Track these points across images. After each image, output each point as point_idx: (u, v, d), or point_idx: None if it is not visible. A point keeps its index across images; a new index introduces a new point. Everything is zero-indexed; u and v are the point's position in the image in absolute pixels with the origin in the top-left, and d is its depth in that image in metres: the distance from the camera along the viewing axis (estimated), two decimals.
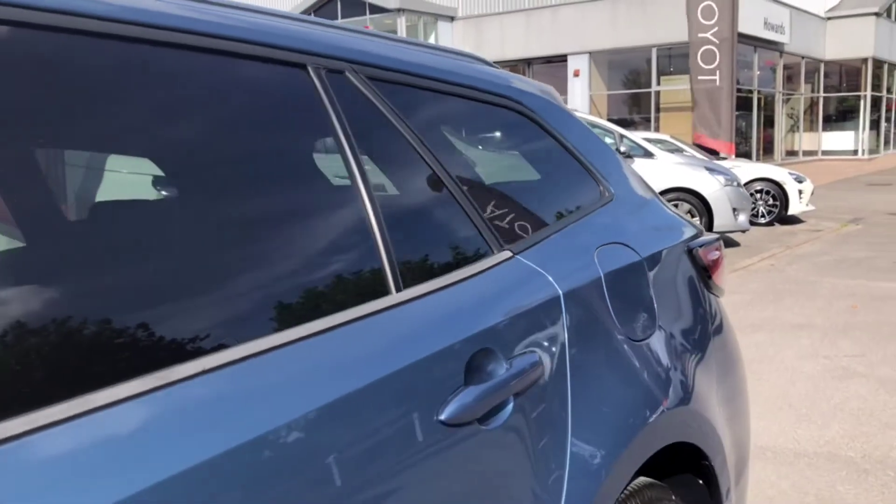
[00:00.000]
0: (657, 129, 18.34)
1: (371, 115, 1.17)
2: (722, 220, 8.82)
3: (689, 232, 1.79)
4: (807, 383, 4.05)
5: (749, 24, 18.82)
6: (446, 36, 25.48)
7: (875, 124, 29.12)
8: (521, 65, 25.50)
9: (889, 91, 30.24)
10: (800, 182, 11.51)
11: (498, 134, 1.57)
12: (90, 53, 0.87)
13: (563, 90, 24.37)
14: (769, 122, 25.60)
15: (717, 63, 12.80)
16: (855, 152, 27.97)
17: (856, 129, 28.27)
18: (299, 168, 1.09)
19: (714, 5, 12.68)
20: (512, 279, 1.25)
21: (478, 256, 1.23)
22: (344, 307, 0.99)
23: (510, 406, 1.12)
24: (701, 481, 1.65)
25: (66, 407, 0.71)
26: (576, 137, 1.62)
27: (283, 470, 0.82)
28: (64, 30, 0.85)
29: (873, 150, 28.64)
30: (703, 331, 1.68)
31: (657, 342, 1.47)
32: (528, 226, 1.37)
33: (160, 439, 0.75)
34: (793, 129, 27.59)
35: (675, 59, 22.67)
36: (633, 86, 23.99)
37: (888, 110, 30.35)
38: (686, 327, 1.61)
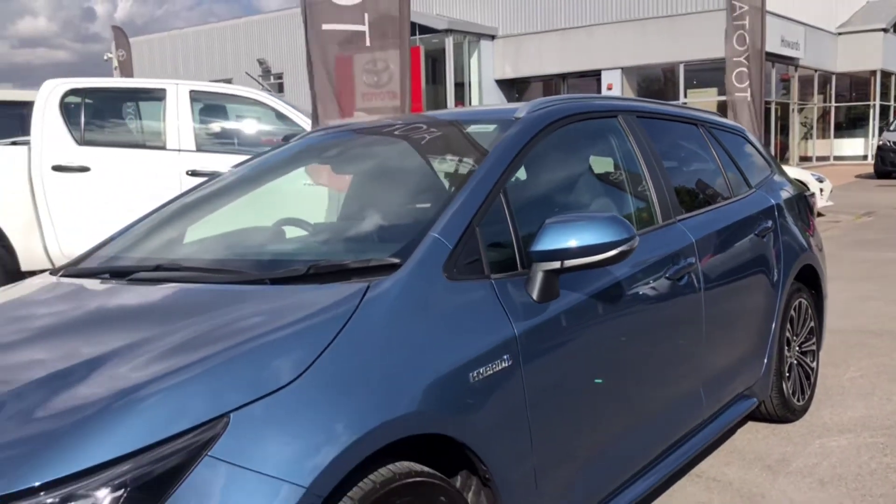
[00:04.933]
0: None
1: (723, 146, 3.48)
2: None
3: (800, 188, 4.10)
4: (841, 304, 6.29)
5: (768, 42, 21.00)
6: (488, 53, 27.80)
7: (883, 132, 31.29)
8: (556, 79, 27.79)
9: None
10: (820, 182, 13.78)
11: (739, 146, 3.86)
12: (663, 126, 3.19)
13: None
14: (784, 130, 27.86)
15: (748, 82, 14.94)
16: (864, 157, 30.15)
17: (865, 136, 30.50)
18: (714, 159, 3.41)
19: (746, 34, 14.83)
20: (756, 198, 3.55)
21: (748, 189, 3.54)
22: (728, 198, 3.29)
23: (765, 237, 3.42)
24: (813, 291, 3.95)
25: None
26: (760, 146, 3.95)
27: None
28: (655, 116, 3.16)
29: None
30: (814, 227, 3.99)
31: (802, 228, 3.78)
32: (755, 180, 3.68)
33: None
34: (806, 136, 29.84)
35: (699, 73, 24.94)
36: (662, 98, 26.25)
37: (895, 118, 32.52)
38: (809, 224, 3.92)
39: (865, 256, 8.81)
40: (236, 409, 1.46)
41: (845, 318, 5.76)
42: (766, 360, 3.39)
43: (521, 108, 2.59)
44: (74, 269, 2.52)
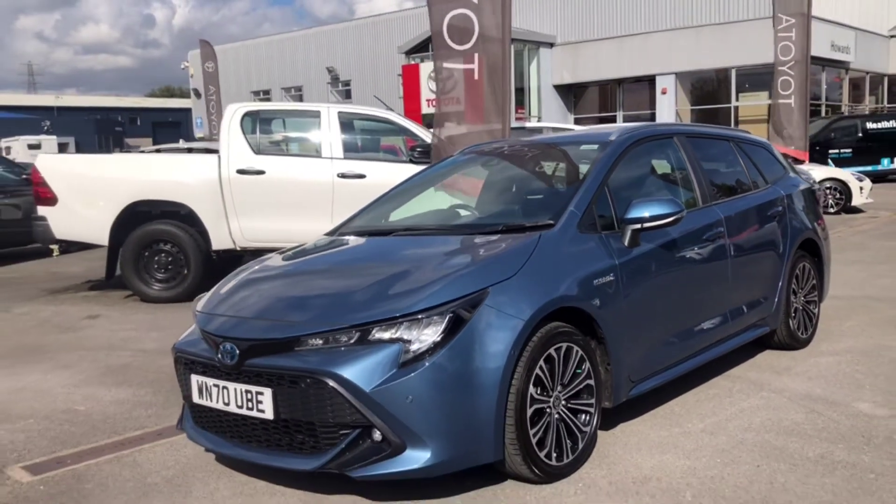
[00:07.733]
0: None
1: (748, 155, 5.06)
2: None
3: (810, 182, 5.63)
4: (857, 280, 7.73)
5: (817, 47, 21.96)
6: (547, 60, 29.31)
7: None
8: (612, 84, 29.21)
9: None
10: (861, 181, 15.02)
11: (760, 155, 5.40)
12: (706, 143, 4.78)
13: (651, 106, 27.97)
14: None
15: (792, 89, 16.14)
16: None
17: None
18: (737, 165, 4.99)
19: (791, 45, 16.04)
20: (770, 190, 5.10)
21: (765, 184, 5.10)
22: (749, 191, 4.86)
23: (776, 217, 4.97)
24: (816, 259, 5.47)
25: None
26: (779, 155, 5.50)
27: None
28: (700, 136, 4.75)
29: None
30: (819, 212, 5.51)
31: (807, 212, 5.32)
32: (772, 178, 5.23)
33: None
34: None
35: (751, 77, 26.06)
36: (715, 101, 27.43)
37: None
38: (816, 211, 5.45)
39: (891, 245, 10.16)
40: (492, 284, 3.13)
41: (857, 290, 7.23)
42: (776, 301, 4.94)
43: (614, 133, 4.22)
44: (342, 231, 4.24)
